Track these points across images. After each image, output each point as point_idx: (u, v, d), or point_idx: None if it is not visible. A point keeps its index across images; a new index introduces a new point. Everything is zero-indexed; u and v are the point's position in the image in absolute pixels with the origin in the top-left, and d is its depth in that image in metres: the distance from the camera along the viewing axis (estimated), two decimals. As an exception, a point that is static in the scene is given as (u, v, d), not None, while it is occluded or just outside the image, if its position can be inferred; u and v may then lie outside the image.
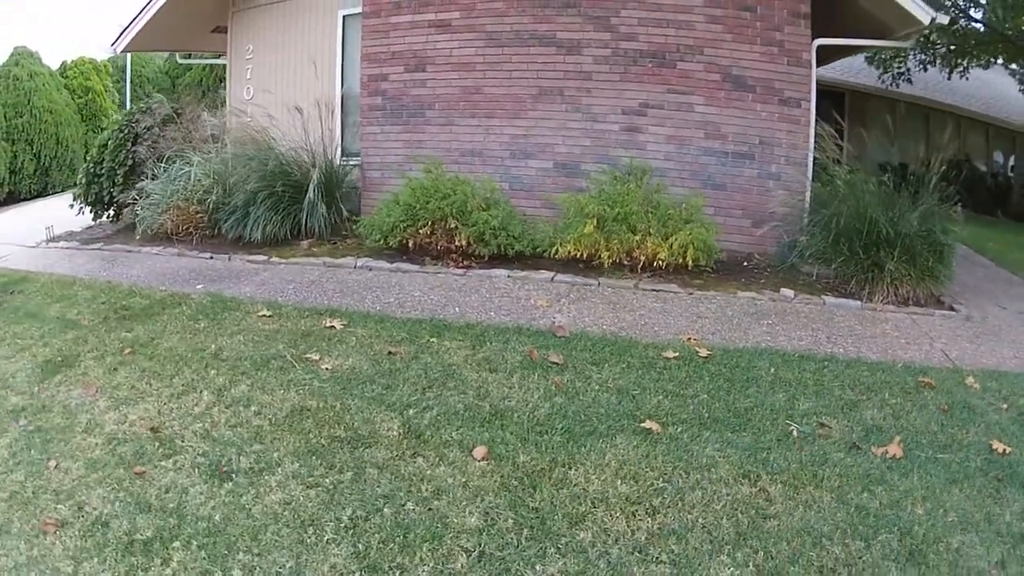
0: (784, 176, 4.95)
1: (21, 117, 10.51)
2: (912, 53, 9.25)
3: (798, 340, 3.56)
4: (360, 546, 1.90)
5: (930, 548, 1.98)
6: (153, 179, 6.28)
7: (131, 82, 14.02)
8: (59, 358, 3.44)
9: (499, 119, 5.43)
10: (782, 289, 4.33)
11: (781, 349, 3.40)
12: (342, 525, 1.99)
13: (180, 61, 11.00)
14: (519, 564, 1.83)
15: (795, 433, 2.59)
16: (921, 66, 9.63)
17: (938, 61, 9.62)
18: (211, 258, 5.46)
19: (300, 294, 4.29)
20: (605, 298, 4.07)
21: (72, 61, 12.47)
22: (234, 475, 2.29)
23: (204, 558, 1.89)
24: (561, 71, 5.26)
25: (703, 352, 3.19)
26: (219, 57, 9.41)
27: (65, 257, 6.30)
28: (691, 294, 4.19)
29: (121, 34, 7.04)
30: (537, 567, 1.80)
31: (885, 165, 6.10)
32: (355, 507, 2.07)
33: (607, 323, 3.66)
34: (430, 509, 2.02)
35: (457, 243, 4.53)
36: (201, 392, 2.92)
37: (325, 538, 1.94)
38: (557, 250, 4.39)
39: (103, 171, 6.91)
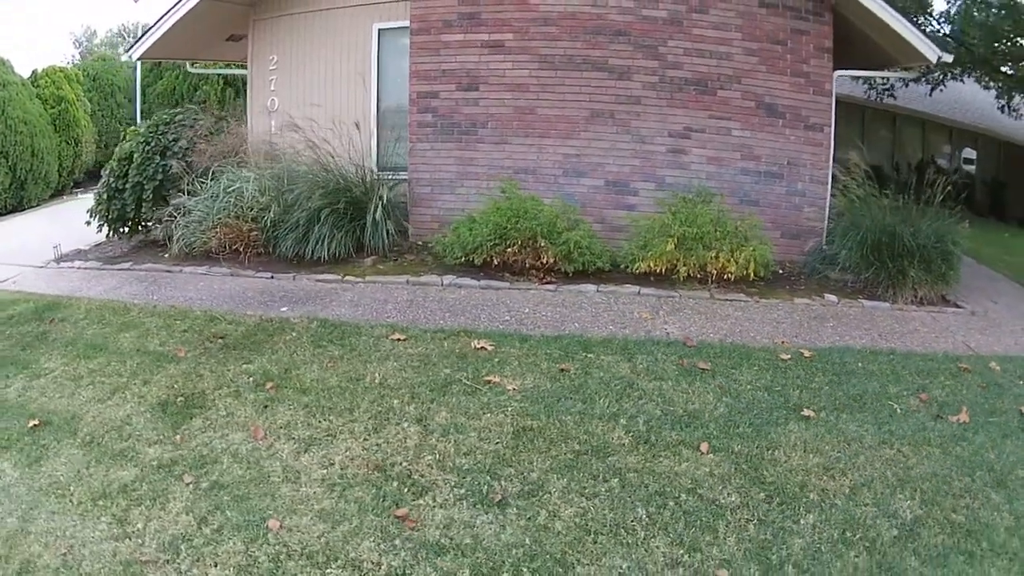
0: (808, 193, 6.02)
1: None
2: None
3: (859, 338, 4.58)
4: (672, 535, 2.54)
5: (1007, 477, 3.00)
6: (190, 195, 6.35)
7: (97, 91, 13.78)
8: (179, 398, 3.57)
9: (552, 139, 6.09)
10: (825, 295, 5.36)
11: (853, 346, 4.41)
12: (646, 522, 2.59)
13: (191, 70, 10.79)
14: (787, 522, 2.62)
15: (898, 411, 3.56)
16: (904, 84, 10.85)
17: (922, 80, 10.90)
18: (272, 278, 5.76)
19: (406, 314, 4.70)
20: (694, 309, 4.93)
21: (43, 70, 12.15)
22: (510, 499, 2.61)
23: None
24: (612, 95, 6.01)
25: (807, 353, 4.12)
26: (228, 66, 9.31)
27: (91, 278, 6.39)
28: (758, 302, 5.13)
29: (139, 41, 7.00)
30: (800, 523, 2.62)
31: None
32: (643, 505, 2.67)
33: (711, 331, 4.51)
34: (699, 496, 2.75)
35: (543, 260, 5.16)
36: (400, 423, 3.20)
37: (641, 536, 2.51)
38: (638, 266, 5.15)
39: (126, 185, 6.93)
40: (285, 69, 7.33)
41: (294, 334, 4.41)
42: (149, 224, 7.08)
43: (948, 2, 8.89)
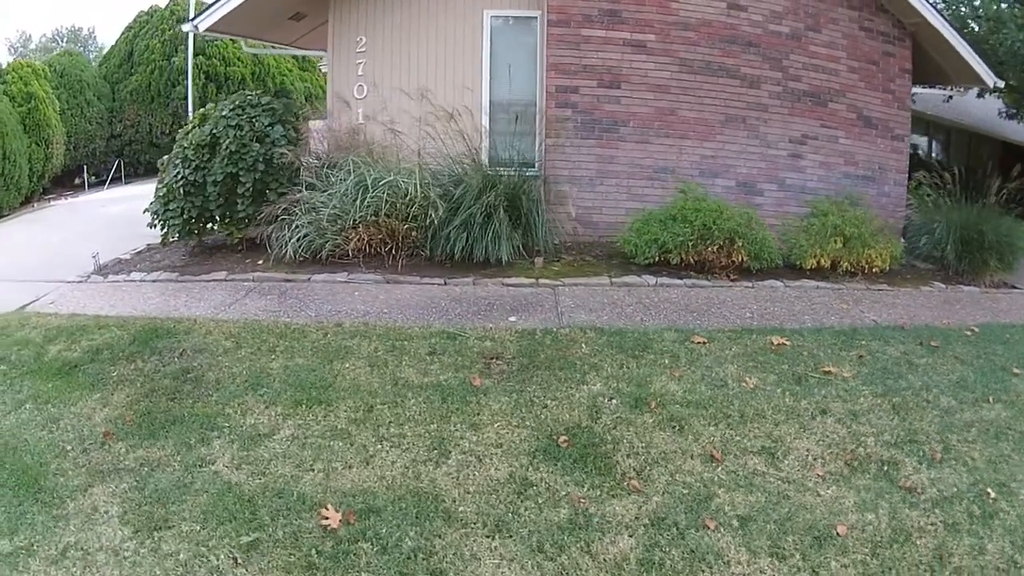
0: (893, 194, 7.56)
1: None
2: None
3: (985, 316, 5.72)
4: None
5: None
6: (309, 189, 6.02)
7: (65, 87, 13.07)
8: (579, 441, 3.54)
9: (691, 140, 6.88)
10: (932, 283, 6.88)
11: (991, 323, 5.54)
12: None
13: (247, 50, 9.59)
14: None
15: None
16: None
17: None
18: (446, 284, 5.70)
19: (651, 316, 4.99)
20: (872, 298, 5.85)
21: (10, 64, 11.43)
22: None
23: None
24: (744, 102, 6.96)
25: (975, 328, 5.22)
26: (288, 45, 8.61)
27: (175, 294, 5.76)
28: (899, 291, 6.19)
29: (206, 10, 6.27)
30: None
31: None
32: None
33: (897, 316, 5.37)
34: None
35: (734, 259, 5.97)
36: (827, 415, 3.78)
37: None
38: (809, 262, 6.18)
39: (207, 178, 6.23)
40: (376, 53, 7.06)
41: (583, 347, 4.48)
42: (241, 223, 6.51)
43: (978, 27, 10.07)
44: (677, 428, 3.80)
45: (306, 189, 6.02)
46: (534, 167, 6.77)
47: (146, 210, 6.84)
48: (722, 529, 3.07)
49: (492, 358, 4.38)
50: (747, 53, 6.89)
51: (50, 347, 4.86)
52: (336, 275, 5.83)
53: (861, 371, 4.41)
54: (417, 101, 6.63)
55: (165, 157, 6.91)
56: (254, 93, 6.86)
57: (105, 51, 16.72)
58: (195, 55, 14.70)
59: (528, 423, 3.78)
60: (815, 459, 3.56)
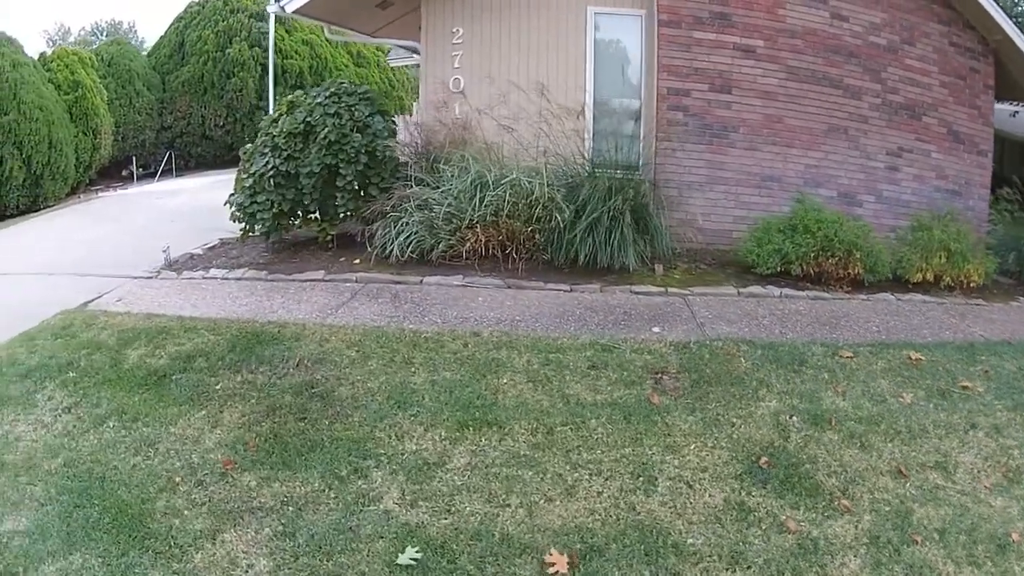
0: (976, 208, 7.74)
1: (7, 115, 9.09)
2: None
3: None
4: None
5: None
6: (419, 185, 5.87)
7: (114, 77, 12.94)
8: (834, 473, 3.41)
9: (796, 149, 6.90)
10: (1018, 297, 7.08)
11: None
12: None
13: (329, 38, 9.28)
14: None
15: None
16: None
17: None
18: (570, 290, 5.57)
19: (795, 330, 4.93)
20: (974, 313, 5.87)
21: (53, 52, 11.19)
22: None
23: None
24: (846, 112, 7.01)
25: None
26: (368, 35, 8.38)
27: (266, 294, 5.44)
28: (993, 305, 6.21)
29: None
30: None
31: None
32: None
33: (999, 331, 5.38)
34: None
35: (851, 271, 6.02)
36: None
37: None
38: (916, 276, 6.29)
39: (300, 169, 5.94)
40: (473, 45, 6.87)
41: (743, 361, 4.41)
42: (336, 218, 6.26)
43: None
44: (859, 445, 3.79)
45: (416, 185, 5.84)
46: (637, 170, 6.72)
47: (227, 202, 6.50)
48: (927, 543, 3.14)
49: (657, 373, 4.26)
50: (849, 64, 6.95)
51: (128, 352, 4.43)
52: (450, 278, 5.63)
53: (990, 386, 4.48)
54: (518, 97, 6.51)
55: (248, 146, 6.62)
56: (348, 81, 6.64)
57: (148, 44, 16.47)
58: (251, 47, 14.52)
59: (723, 444, 3.67)
60: (979, 472, 3.64)
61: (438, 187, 5.76)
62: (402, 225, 5.73)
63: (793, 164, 6.86)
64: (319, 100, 6.11)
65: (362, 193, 6.02)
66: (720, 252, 6.43)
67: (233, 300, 5.42)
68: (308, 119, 6.03)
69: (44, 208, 10.29)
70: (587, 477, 3.35)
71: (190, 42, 14.91)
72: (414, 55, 13.70)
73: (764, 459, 3.66)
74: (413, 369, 4.18)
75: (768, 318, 5.38)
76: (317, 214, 6.25)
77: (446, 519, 2.99)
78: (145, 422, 3.58)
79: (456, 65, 6.91)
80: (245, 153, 6.58)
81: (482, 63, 6.86)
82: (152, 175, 13.75)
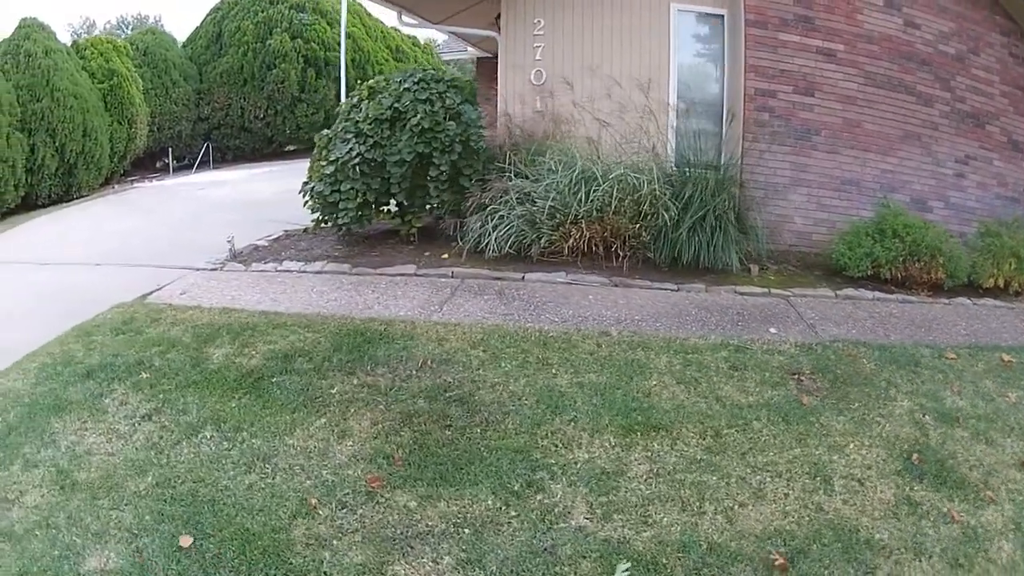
0: None
1: (40, 101, 9.05)
2: None
3: None
4: None
5: None
6: (519, 178, 5.87)
7: (149, 66, 12.86)
8: None
9: (873, 153, 7.05)
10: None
11: None
12: None
13: (404, 29, 9.15)
14: None
15: None
16: None
17: None
18: (678, 289, 5.61)
19: (896, 332, 5.05)
20: None
21: (87, 39, 11.17)
22: None
23: None
24: (919, 119, 7.21)
25: None
26: (435, 24, 8.30)
27: (355, 287, 5.28)
28: None
29: None
30: None
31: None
32: None
33: None
34: None
35: (933, 275, 6.23)
36: None
37: None
38: (988, 281, 6.51)
39: (386, 157, 5.80)
40: (555, 37, 6.82)
41: (866, 363, 4.53)
42: (421, 210, 6.18)
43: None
44: (986, 441, 3.93)
45: (516, 178, 5.83)
46: (718, 169, 6.83)
47: (303, 191, 6.31)
48: (1063, 527, 3.26)
49: (794, 374, 4.32)
50: (921, 71, 7.14)
51: (210, 350, 4.07)
52: (552, 275, 5.59)
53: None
54: (601, 90, 6.56)
55: (324, 132, 6.45)
56: (431, 68, 6.61)
57: (177, 38, 16.15)
58: (292, 39, 14.43)
59: (877, 442, 3.77)
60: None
61: (539, 180, 5.76)
62: (498, 219, 5.69)
63: (870, 168, 7.03)
64: (406, 86, 5.95)
65: (456, 185, 5.92)
66: (803, 254, 6.57)
67: (319, 295, 5.20)
68: (396, 105, 5.87)
69: (77, 199, 10.07)
70: (769, 480, 3.37)
71: (228, 32, 14.79)
72: (468, 48, 13.71)
73: (915, 455, 3.77)
74: (553, 371, 4.06)
75: (868, 320, 5.52)
76: (400, 205, 6.15)
77: (647, 531, 2.87)
78: (252, 432, 3.15)
79: (538, 57, 6.88)
80: (321, 139, 6.40)
81: (561, 55, 6.85)
82: (188, 167, 13.55)
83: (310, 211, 6.34)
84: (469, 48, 13.43)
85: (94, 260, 6.41)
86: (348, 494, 2.78)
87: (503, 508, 2.84)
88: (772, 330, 5.05)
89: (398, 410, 3.48)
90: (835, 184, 6.82)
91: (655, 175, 5.74)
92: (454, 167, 5.93)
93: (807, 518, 3.16)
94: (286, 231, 7.21)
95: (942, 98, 7.21)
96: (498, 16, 7.42)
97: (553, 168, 5.81)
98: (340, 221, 6.08)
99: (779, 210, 6.73)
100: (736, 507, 3.15)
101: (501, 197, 5.69)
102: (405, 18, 7.86)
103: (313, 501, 2.71)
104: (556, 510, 2.88)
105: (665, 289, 5.58)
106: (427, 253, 6.12)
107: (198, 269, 5.87)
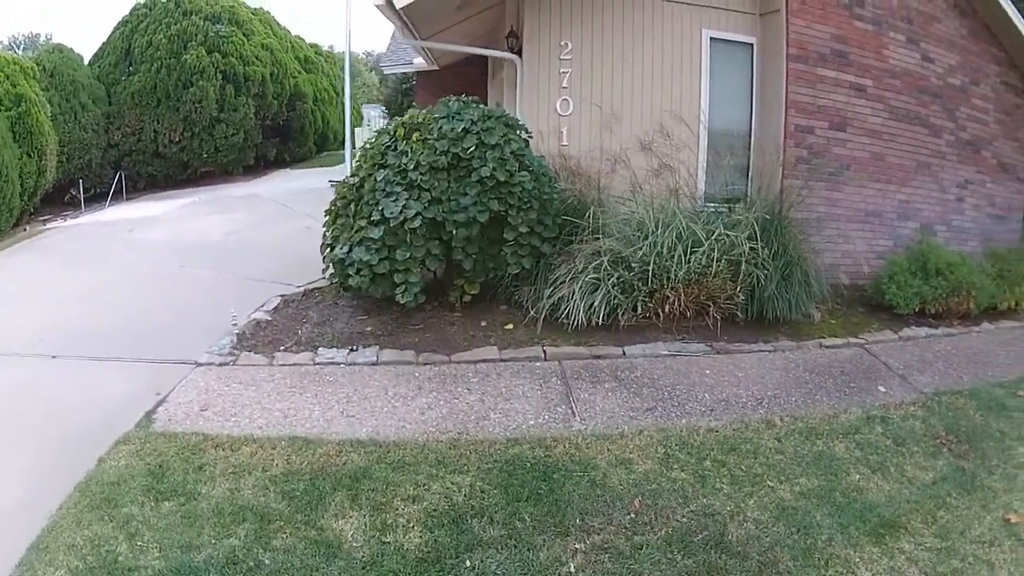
0: (1015, 231, 8.86)
1: None
2: None
3: None
4: None
5: None
6: (606, 237, 5.51)
7: (57, 88, 11.42)
8: None
9: (893, 185, 7.43)
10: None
11: None
12: None
13: (414, 44, 8.09)
14: None
15: None
16: None
17: None
18: (773, 350, 5.48)
19: (962, 372, 5.36)
20: None
21: None
22: None
23: None
24: (929, 149, 7.67)
25: None
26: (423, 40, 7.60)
27: (440, 385, 4.49)
28: None
29: None
30: None
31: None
32: None
33: None
34: None
35: (966, 306, 6.69)
36: None
37: None
38: (1003, 304, 7.11)
39: (452, 218, 5.14)
40: (584, 64, 6.67)
41: (975, 414, 4.72)
42: (476, 278, 5.68)
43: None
44: None
45: (604, 237, 5.52)
46: (745, 206, 6.91)
47: (324, 257, 5.61)
48: None
49: (936, 438, 4.50)
50: (934, 103, 7.61)
51: (325, 518, 2.98)
52: (651, 346, 5.32)
53: None
54: (649, 124, 6.46)
55: (349, 179, 5.69)
56: (471, 100, 5.71)
57: (89, 53, 14.27)
58: (209, 52, 13.17)
59: None
60: None
61: (631, 242, 5.42)
62: (586, 284, 5.28)
63: (890, 199, 7.44)
64: (464, 125, 5.29)
65: (534, 248, 5.48)
66: (834, 286, 6.77)
67: (404, 403, 4.23)
68: (454, 150, 5.24)
69: (-15, 249, 8.52)
70: (999, 552, 3.46)
71: (139, 48, 13.34)
72: (413, 62, 12.98)
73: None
74: (767, 483, 3.80)
75: (939, 363, 5.82)
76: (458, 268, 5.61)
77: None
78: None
79: (564, 84, 6.61)
80: (346, 188, 5.59)
81: (590, 84, 6.64)
82: (98, 198, 12.06)
83: (331, 279, 5.62)
84: (414, 62, 12.90)
85: (48, 347, 4.93)
86: None
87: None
88: (881, 388, 5.17)
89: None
90: (860, 216, 7.16)
91: (754, 230, 5.59)
92: (531, 228, 5.43)
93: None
94: (282, 295, 6.30)
95: (948, 128, 7.73)
96: (509, 35, 7.06)
97: (648, 225, 5.51)
98: (402, 300, 5.19)
99: (813, 245, 6.97)
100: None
101: (592, 262, 5.32)
102: (421, 42, 7.30)
103: None
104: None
105: (763, 351, 5.51)
106: (483, 323, 5.65)
107: (201, 364, 4.67)
